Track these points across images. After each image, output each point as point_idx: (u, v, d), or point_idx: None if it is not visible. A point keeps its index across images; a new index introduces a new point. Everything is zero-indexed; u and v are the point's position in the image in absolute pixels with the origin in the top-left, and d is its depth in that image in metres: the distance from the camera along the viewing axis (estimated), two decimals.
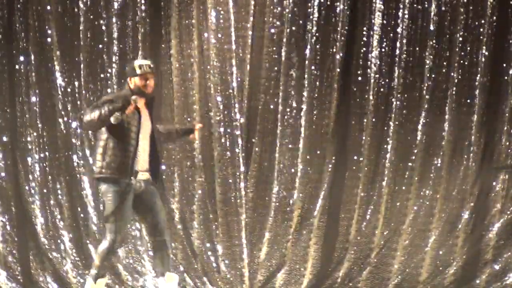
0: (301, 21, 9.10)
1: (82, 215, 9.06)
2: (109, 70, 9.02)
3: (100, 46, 9.01)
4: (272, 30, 9.10)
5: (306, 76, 9.13)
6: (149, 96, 7.11)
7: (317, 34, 9.10)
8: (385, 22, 9.11)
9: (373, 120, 9.18)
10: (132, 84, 7.06)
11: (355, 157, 9.21)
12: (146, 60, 7.30)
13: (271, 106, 9.18)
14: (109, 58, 9.02)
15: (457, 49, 9.10)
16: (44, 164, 9.04)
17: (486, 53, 9.09)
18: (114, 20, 9.00)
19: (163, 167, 9.01)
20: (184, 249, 9.04)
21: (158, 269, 7.23)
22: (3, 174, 9.02)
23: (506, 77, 9.12)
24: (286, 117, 9.15)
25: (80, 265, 8.96)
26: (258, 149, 9.16)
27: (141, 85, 7.06)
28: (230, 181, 9.10)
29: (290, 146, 9.17)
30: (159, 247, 7.19)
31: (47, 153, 9.05)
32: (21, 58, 8.98)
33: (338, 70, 9.14)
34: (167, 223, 7.39)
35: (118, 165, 6.97)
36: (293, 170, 9.19)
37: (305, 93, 9.14)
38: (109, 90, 8.98)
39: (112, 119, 6.79)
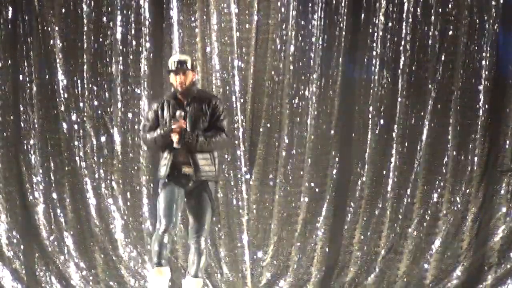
0: (305, 23, 9.10)
1: (85, 217, 9.10)
2: (113, 72, 9.06)
3: (103, 48, 9.03)
4: (276, 32, 9.12)
5: (310, 78, 9.12)
6: (185, 93, 7.02)
7: (321, 36, 9.10)
8: (388, 25, 9.10)
9: (377, 123, 9.15)
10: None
11: (360, 161, 9.17)
12: (178, 55, 7.22)
13: (275, 109, 9.17)
14: (112, 60, 9.05)
15: (461, 52, 9.07)
16: (47, 166, 9.08)
17: (490, 56, 9.07)
18: (117, 22, 9.03)
19: None
20: (185, 251, 9.01)
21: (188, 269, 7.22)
22: (7, 176, 9.07)
23: (510, 80, 9.09)
24: (289, 120, 9.14)
25: (84, 266, 9.00)
26: (261, 152, 9.15)
27: (173, 82, 7.05)
28: (232, 183, 9.10)
29: (293, 149, 9.16)
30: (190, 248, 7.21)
31: (50, 156, 9.09)
32: (24, 60, 9.03)
33: (342, 73, 9.14)
34: None
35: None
36: (296, 173, 9.17)
37: (309, 96, 9.13)
38: (112, 92, 9.05)
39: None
